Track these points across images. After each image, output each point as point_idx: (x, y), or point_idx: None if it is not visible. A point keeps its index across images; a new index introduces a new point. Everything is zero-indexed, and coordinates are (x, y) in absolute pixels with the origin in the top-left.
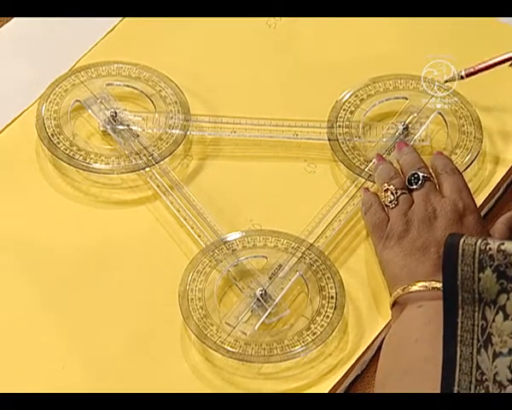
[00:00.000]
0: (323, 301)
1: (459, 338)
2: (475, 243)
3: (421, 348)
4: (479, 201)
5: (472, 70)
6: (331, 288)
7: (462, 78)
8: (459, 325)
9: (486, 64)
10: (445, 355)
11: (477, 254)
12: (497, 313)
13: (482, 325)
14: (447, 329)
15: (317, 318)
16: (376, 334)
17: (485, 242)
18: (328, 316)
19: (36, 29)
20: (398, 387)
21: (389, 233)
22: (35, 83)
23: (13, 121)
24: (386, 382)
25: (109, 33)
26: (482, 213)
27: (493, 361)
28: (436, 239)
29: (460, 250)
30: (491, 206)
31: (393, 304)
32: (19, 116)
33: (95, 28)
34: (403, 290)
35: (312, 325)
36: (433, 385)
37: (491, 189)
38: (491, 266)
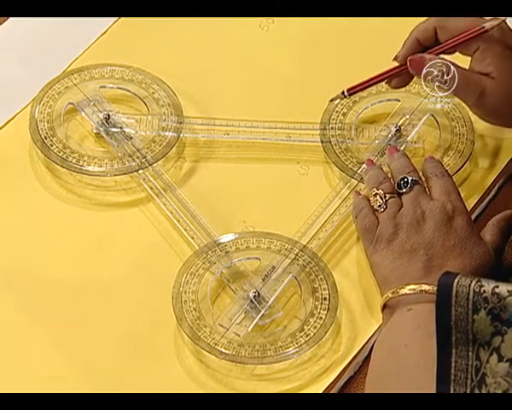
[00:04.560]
0: (316, 303)
1: (452, 377)
2: (469, 285)
3: (411, 353)
4: (470, 203)
5: (353, 88)
6: (324, 289)
7: (344, 96)
8: (453, 364)
9: (367, 83)
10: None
11: (471, 296)
12: (491, 354)
13: (476, 365)
14: (440, 367)
15: (311, 319)
16: (369, 335)
17: (479, 284)
18: (321, 317)
19: (29, 32)
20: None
21: (379, 237)
22: (28, 85)
23: (6, 124)
24: (376, 387)
25: (102, 36)
26: (474, 215)
27: None
28: (425, 241)
29: (454, 291)
30: (483, 208)
31: (384, 307)
32: (12, 119)
33: (87, 31)
34: (392, 294)
35: (305, 327)
36: (423, 391)
37: (483, 191)
38: (485, 309)
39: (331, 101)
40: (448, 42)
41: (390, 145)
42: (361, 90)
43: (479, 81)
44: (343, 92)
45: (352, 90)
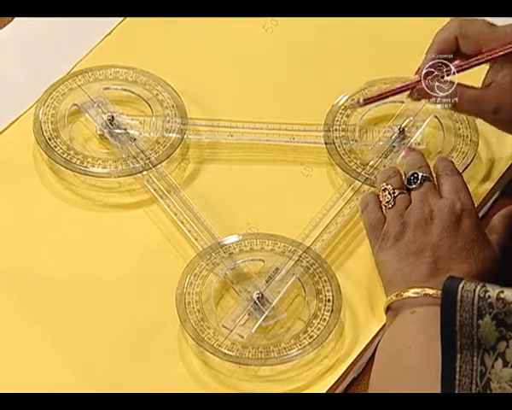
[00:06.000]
0: (320, 305)
1: (457, 382)
2: (474, 290)
3: (415, 356)
4: (476, 202)
5: (370, 97)
6: (328, 291)
7: (359, 104)
8: (457, 369)
9: (385, 92)
10: None
11: (476, 302)
12: (496, 359)
13: (481, 370)
14: (445, 372)
15: (314, 321)
16: (372, 336)
17: (484, 289)
18: (324, 319)
19: (33, 33)
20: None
21: (385, 234)
22: (32, 87)
23: (10, 125)
24: (379, 389)
25: (106, 37)
26: (480, 214)
27: None
28: (432, 242)
29: (458, 296)
30: (488, 209)
31: (387, 309)
32: (16, 120)
33: (92, 32)
34: (396, 296)
35: (309, 328)
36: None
37: (487, 192)
38: (490, 314)
39: (346, 108)
40: (480, 57)
41: (404, 145)
42: (379, 100)
43: (491, 96)
44: (358, 100)
45: (368, 101)
